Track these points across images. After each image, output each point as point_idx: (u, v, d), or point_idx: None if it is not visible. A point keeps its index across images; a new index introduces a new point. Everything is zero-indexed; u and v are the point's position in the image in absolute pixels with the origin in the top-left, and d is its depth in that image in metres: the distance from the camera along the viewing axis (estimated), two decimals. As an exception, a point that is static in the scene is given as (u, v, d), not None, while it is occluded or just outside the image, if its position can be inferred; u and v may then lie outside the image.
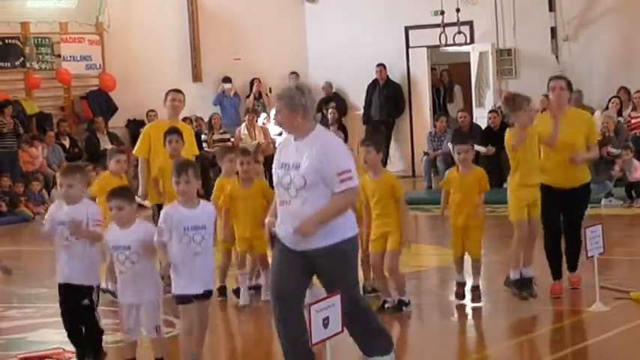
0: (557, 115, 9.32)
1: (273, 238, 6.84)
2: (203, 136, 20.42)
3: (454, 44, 21.15)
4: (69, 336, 7.37)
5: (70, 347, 7.56)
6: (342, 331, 6.21)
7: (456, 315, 9.36)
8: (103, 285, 9.87)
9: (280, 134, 21.04)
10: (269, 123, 21.37)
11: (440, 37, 20.91)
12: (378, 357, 6.95)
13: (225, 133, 20.98)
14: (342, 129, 21.18)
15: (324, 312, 5.99)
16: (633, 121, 18.95)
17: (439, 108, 22.40)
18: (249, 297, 9.81)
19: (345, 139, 15.65)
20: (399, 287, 9.27)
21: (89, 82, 21.06)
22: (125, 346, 7.39)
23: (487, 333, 8.87)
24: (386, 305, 9.27)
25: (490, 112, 19.74)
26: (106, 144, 20.40)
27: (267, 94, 22.35)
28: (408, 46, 22.20)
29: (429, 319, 9.52)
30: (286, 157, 6.76)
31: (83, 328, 7.33)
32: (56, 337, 7.15)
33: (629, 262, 11.81)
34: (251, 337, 9.34)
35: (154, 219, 10.20)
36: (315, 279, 6.85)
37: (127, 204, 7.14)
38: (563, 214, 9.56)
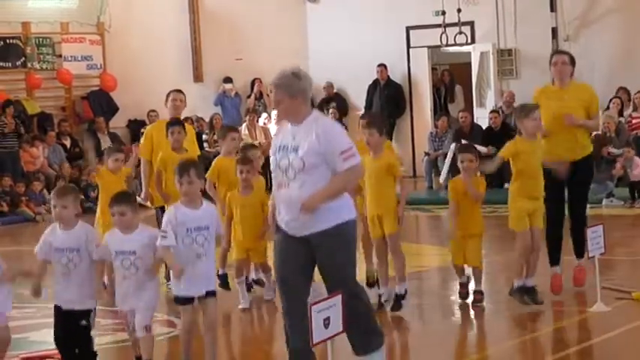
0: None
1: (278, 230, 6.85)
2: (204, 136, 20.43)
3: (455, 44, 21.16)
4: (61, 354, 7.33)
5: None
6: (343, 331, 6.21)
7: (457, 315, 9.36)
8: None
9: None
10: (270, 123, 21.38)
11: (441, 38, 20.91)
12: (374, 353, 6.89)
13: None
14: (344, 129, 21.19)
15: (324, 312, 5.99)
16: (634, 121, 18.95)
17: (440, 108, 22.40)
18: (248, 301, 9.79)
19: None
20: (399, 268, 9.26)
21: (90, 82, 21.07)
22: (132, 346, 7.37)
23: (488, 333, 8.87)
24: (383, 299, 9.28)
25: (491, 112, 19.74)
26: (107, 144, 20.40)
27: (268, 95, 22.33)
28: (409, 47, 22.20)
29: (430, 319, 9.52)
30: (284, 140, 6.77)
31: (77, 350, 7.28)
32: (51, 337, 7.15)
33: (631, 262, 11.81)
34: (251, 337, 9.34)
35: (158, 221, 10.23)
36: (316, 273, 6.83)
37: (130, 210, 7.10)
38: (568, 190, 9.51)
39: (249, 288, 10.14)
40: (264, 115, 21.67)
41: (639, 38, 20.07)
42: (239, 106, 22.28)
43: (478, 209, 9.45)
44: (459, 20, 20.68)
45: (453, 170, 16.04)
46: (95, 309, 7.30)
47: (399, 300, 9.26)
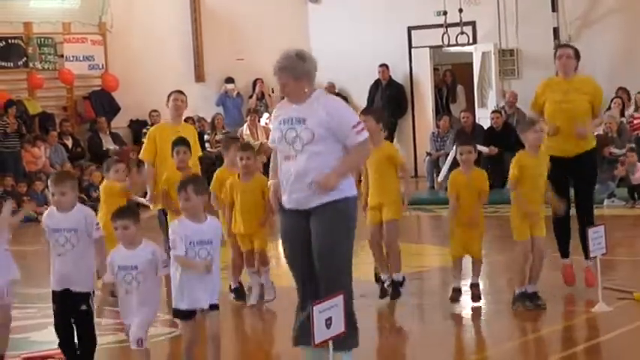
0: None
1: (280, 206, 6.86)
2: (206, 137, 20.43)
3: (457, 44, 21.15)
4: (61, 344, 7.31)
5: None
6: (345, 331, 6.20)
7: (458, 315, 9.35)
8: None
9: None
10: (271, 123, 21.37)
11: (442, 38, 20.90)
12: (343, 353, 6.79)
13: (227, 133, 20.98)
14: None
15: (326, 312, 5.99)
16: (636, 121, 18.96)
17: (442, 109, 22.40)
18: (258, 295, 9.78)
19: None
20: (394, 261, 9.28)
21: (92, 83, 21.08)
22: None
23: (489, 333, 8.87)
24: (386, 284, 9.34)
25: (493, 112, 19.73)
26: (108, 144, 20.44)
27: (269, 95, 22.36)
28: (410, 47, 22.21)
29: (431, 319, 9.51)
30: (288, 114, 6.79)
31: (76, 337, 7.26)
32: (54, 336, 7.15)
33: (632, 262, 11.81)
34: (254, 338, 9.34)
35: (160, 223, 10.23)
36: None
37: (132, 223, 7.06)
38: (573, 186, 9.51)
39: (240, 296, 10.10)
40: (266, 115, 21.66)
41: (641, 38, 20.10)
42: (241, 107, 22.29)
43: (479, 203, 9.43)
44: (461, 20, 20.68)
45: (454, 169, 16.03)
46: (94, 292, 7.30)
47: (397, 287, 9.32)
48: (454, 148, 18.83)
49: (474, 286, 9.47)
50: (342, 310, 6.10)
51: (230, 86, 22.18)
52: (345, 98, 22.32)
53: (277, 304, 9.75)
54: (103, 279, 7.19)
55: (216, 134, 20.80)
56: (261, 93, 22.34)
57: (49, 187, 7.30)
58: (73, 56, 20.63)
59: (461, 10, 20.52)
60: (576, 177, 9.53)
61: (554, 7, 20.57)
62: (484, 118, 20.58)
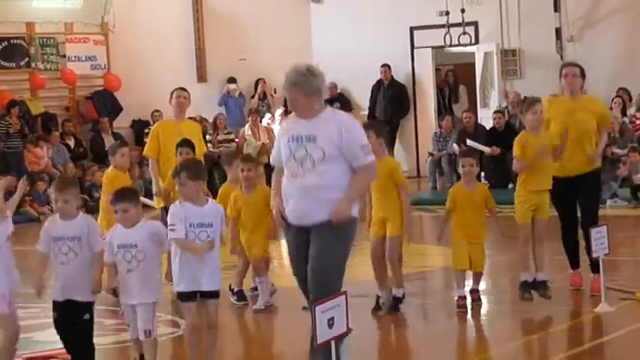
0: (565, 138, 9.26)
1: (286, 224, 6.85)
2: (208, 137, 20.42)
3: (459, 45, 21.14)
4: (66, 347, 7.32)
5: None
6: (348, 331, 6.20)
7: (460, 315, 9.33)
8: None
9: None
10: (274, 123, 21.38)
11: (445, 38, 20.89)
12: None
13: (229, 133, 20.99)
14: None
15: (329, 312, 5.99)
16: (638, 121, 18.94)
17: (444, 109, 22.39)
18: (264, 305, 9.73)
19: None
20: (396, 276, 9.20)
21: (94, 83, 21.08)
22: (134, 346, 7.34)
23: (492, 333, 8.86)
24: (380, 301, 9.22)
25: (495, 112, 19.71)
26: (110, 144, 20.45)
27: (272, 95, 22.36)
28: (412, 47, 22.20)
29: (433, 319, 9.52)
30: (297, 131, 6.75)
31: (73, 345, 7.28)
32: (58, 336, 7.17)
33: (635, 262, 11.80)
34: (254, 336, 9.34)
35: (163, 222, 10.21)
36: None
37: (133, 206, 7.10)
38: (579, 205, 9.51)
39: (242, 299, 10.10)
40: (268, 115, 21.66)
41: (643, 38, 20.09)
42: (243, 107, 22.28)
43: (482, 215, 9.40)
44: (463, 20, 20.66)
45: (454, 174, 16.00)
46: (95, 302, 7.30)
47: (396, 303, 9.19)
48: (454, 147, 18.87)
49: (474, 292, 9.46)
50: (344, 309, 6.11)
51: (232, 86, 22.17)
52: (348, 99, 22.40)
53: (278, 304, 9.74)
54: (105, 258, 7.16)
55: (218, 134, 20.80)
56: (264, 93, 22.33)
57: (52, 193, 7.29)
58: (75, 56, 20.63)
59: (463, 11, 20.50)
60: (581, 196, 9.50)
61: (557, 7, 20.55)
62: (486, 118, 20.55)
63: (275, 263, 11.26)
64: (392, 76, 21.92)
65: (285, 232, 6.98)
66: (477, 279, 9.50)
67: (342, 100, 21.98)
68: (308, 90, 6.71)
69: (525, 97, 9.69)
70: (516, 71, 21.30)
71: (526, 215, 9.18)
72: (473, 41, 21.25)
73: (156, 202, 10.94)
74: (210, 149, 19.88)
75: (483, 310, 9.36)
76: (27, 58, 20.01)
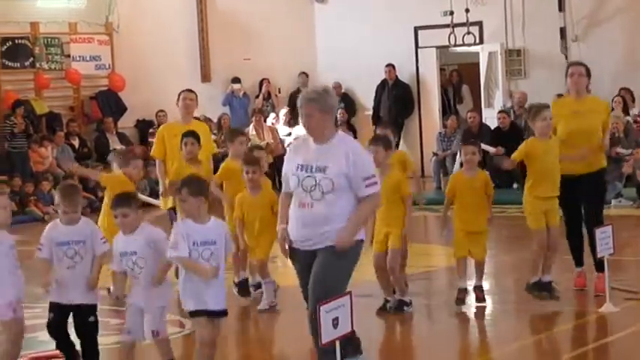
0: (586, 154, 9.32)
1: (292, 250, 6.85)
2: (212, 137, 20.40)
3: (463, 44, 21.13)
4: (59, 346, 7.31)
5: (79, 347, 7.55)
6: (352, 330, 6.20)
7: (464, 315, 9.34)
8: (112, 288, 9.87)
9: (289, 134, 21.07)
10: (278, 123, 21.39)
11: (449, 38, 20.89)
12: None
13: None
14: (351, 129, 21.20)
15: (333, 312, 5.99)
16: (642, 121, 18.94)
17: (448, 109, 22.39)
18: (268, 305, 9.72)
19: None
20: (399, 288, 9.26)
21: (98, 83, 21.09)
22: (122, 348, 7.30)
23: (496, 334, 8.86)
24: (388, 305, 9.27)
25: (499, 112, 19.70)
26: (115, 144, 20.44)
27: (276, 95, 22.37)
28: (417, 47, 22.19)
29: (438, 319, 9.51)
30: (306, 159, 6.76)
31: (79, 347, 7.28)
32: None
33: (639, 263, 11.79)
34: (258, 336, 9.34)
35: (171, 222, 10.23)
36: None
37: (132, 211, 7.08)
38: (583, 205, 9.51)
39: (244, 291, 10.10)
40: (272, 115, 21.67)
41: (648, 38, 20.07)
42: (247, 107, 22.28)
43: (483, 202, 9.41)
44: (467, 20, 20.65)
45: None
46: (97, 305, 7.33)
47: (401, 305, 9.25)
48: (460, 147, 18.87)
49: (478, 289, 9.45)
50: (348, 310, 6.10)
51: (236, 86, 22.17)
52: (352, 98, 22.40)
53: (282, 305, 9.74)
54: (111, 267, 7.22)
55: (222, 134, 20.79)
56: (268, 93, 22.33)
57: (56, 198, 7.31)
58: (79, 56, 20.63)
59: (467, 10, 20.49)
60: (585, 196, 9.50)
61: (561, 7, 20.54)
62: (491, 118, 20.54)
63: (279, 262, 11.26)
64: (396, 76, 21.92)
65: (291, 257, 6.97)
66: (479, 270, 9.47)
67: (346, 100, 21.98)
68: (324, 107, 6.75)
69: (532, 105, 9.67)
70: (521, 71, 21.29)
71: (539, 220, 9.17)
72: (477, 41, 21.24)
73: (162, 203, 10.97)
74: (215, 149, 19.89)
75: (487, 310, 9.35)
76: (31, 58, 20.01)
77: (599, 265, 9.25)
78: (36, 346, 8.33)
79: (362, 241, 6.89)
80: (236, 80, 22.17)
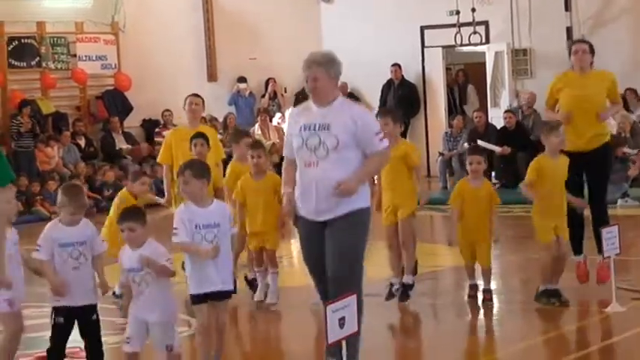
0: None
1: (296, 216, 6.86)
2: (218, 136, 20.41)
3: (469, 44, 21.12)
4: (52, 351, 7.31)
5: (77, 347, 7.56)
6: (358, 330, 6.20)
7: (471, 315, 9.34)
8: (117, 291, 9.87)
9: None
10: (284, 123, 21.39)
11: (455, 37, 20.88)
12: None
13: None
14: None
15: (340, 312, 6.00)
16: (649, 121, 18.89)
17: (454, 108, 22.38)
18: (264, 293, 9.77)
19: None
20: (408, 262, 9.28)
21: (105, 82, 21.10)
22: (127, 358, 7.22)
23: (502, 334, 8.85)
24: (393, 288, 9.31)
25: (505, 112, 19.69)
26: (121, 143, 20.48)
27: (282, 94, 22.37)
28: (423, 46, 22.18)
29: (444, 318, 9.51)
30: (309, 119, 6.78)
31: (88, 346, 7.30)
32: (73, 335, 7.16)
33: (646, 262, 11.78)
34: (262, 335, 9.35)
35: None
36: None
37: (139, 225, 7.04)
38: (587, 182, 9.50)
39: (251, 284, 10.13)
40: (278, 114, 21.67)
41: (654, 38, 20.04)
42: (253, 106, 22.29)
43: (487, 211, 9.41)
44: (474, 20, 20.64)
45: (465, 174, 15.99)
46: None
47: (406, 290, 9.31)
48: (465, 146, 18.83)
49: (486, 292, 9.48)
50: (354, 309, 6.11)
51: (242, 85, 22.18)
52: (358, 98, 22.37)
53: (284, 304, 9.73)
54: (120, 280, 7.21)
55: (228, 134, 20.80)
56: (274, 92, 22.34)
57: (60, 199, 7.29)
58: (85, 56, 20.64)
59: (474, 10, 20.48)
60: (590, 172, 9.52)
61: (568, 7, 20.52)
62: (497, 117, 20.53)
63: (285, 262, 11.27)
64: (402, 76, 21.92)
65: (296, 223, 6.97)
66: (486, 276, 9.49)
67: (352, 100, 21.94)
68: (330, 72, 6.79)
69: (548, 122, 9.70)
70: (527, 71, 21.27)
71: (548, 235, 9.10)
72: (483, 41, 21.23)
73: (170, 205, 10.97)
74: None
75: (494, 310, 9.35)
76: (38, 58, 20.03)
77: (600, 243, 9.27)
78: (43, 345, 8.31)
79: (368, 208, 6.89)
80: (242, 80, 22.18)
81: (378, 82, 21.84)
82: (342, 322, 5.99)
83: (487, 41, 21.39)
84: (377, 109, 21.83)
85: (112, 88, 21.01)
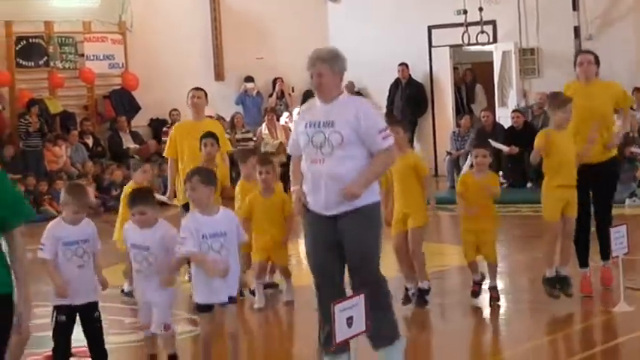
0: (595, 135, 9.27)
1: (305, 209, 6.86)
2: (226, 135, 20.42)
3: (477, 43, 21.11)
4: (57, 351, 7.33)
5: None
6: (367, 329, 6.20)
7: (478, 315, 9.34)
8: (126, 288, 9.89)
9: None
10: (291, 122, 21.37)
11: (463, 37, 20.87)
12: (391, 347, 6.94)
13: (247, 132, 21.01)
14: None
15: (347, 311, 5.99)
16: (657, 121, 18.85)
17: (462, 108, 22.36)
18: (264, 300, 9.76)
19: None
20: (419, 269, 9.28)
21: (112, 81, 21.14)
22: (146, 343, 7.38)
23: (510, 333, 8.84)
24: (410, 293, 9.32)
25: (513, 111, 19.67)
26: (128, 143, 20.50)
27: (289, 94, 22.36)
28: (430, 46, 22.17)
29: (451, 318, 9.51)
30: (314, 117, 6.79)
31: (87, 344, 7.31)
32: (81, 335, 7.18)
33: (653, 262, 11.74)
34: (267, 337, 9.35)
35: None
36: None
37: (150, 208, 7.09)
38: (592, 192, 9.50)
39: (253, 293, 10.14)
40: (286, 114, 21.67)
41: (662, 37, 20.00)
42: (260, 105, 22.30)
43: (491, 205, 9.43)
44: (481, 19, 20.63)
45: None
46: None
47: (422, 295, 9.29)
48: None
49: (493, 289, 9.46)
50: (363, 308, 6.10)
51: (250, 85, 22.19)
52: (365, 97, 22.36)
53: (295, 303, 9.77)
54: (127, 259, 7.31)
55: (235, 133, 20.82)
56: (281, 92, 22.35)
57: (64, 198, 7.30)
58: (93, 55, 20.68)
59: (481, 9, 20.47)
60: (596, 184, 9.48)
61: (575, 6, 20.49)
62: (504, 117, 20.51)
63: (293, 261, 11.28)
64: (409, 75, 21.91)
65: (304, 218, 6.97)
66: (492, 272, 9.49)
67: (359, 99, 21.95)
68: (335, 68, 6.78)
69: (557, 94, 9.63)
70: (535, 70, 21.25)
71: (555, 211, 9.13)
72: (491, 40, 21.22)
73: (177, 200, 11.00)
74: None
75: (501, 309, 9.34)
76: (45, 57, 20.07)
77: (605, 254, 9.28)
78: (51, 344, 8.33)
79: (379, 202, 6.90)
80: (249, 79, 22.19)
81: (385, 81, 21.83)
82: (349, 321, 5.98)
83: (494, 40, 21.38)
84: (384, 108, 21.94)
85: (119, 87, 21.05)
